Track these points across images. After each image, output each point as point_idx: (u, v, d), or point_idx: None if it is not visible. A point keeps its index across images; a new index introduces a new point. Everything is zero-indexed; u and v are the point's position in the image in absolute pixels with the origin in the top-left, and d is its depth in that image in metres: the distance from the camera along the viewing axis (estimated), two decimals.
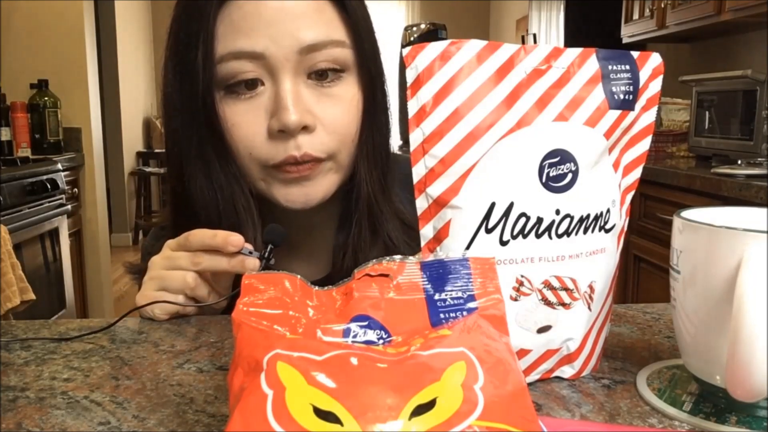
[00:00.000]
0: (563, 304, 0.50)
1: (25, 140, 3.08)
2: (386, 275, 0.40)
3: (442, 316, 0.39)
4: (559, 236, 0.49)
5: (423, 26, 4.06)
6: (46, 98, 3.19)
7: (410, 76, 0.48)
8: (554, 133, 0.48)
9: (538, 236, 0.48)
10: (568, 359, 0.52)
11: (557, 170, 0.48)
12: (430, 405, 0.32)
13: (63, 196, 2.98)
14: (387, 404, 0.31)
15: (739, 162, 2.19)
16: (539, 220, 0.48)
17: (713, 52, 3.15)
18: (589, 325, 0.52)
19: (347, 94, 0.66)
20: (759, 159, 2.17)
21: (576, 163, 0.49)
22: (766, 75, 2.20)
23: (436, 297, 0.40)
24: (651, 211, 2.33)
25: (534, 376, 0.51)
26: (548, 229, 0.48)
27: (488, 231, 0.48)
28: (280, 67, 0.62)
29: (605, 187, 0.51)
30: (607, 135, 0.50)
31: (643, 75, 0.52)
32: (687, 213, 0.47)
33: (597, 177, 0.50)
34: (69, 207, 3.03)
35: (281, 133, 0.62)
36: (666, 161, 2.62)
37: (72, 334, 0.63)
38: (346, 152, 0.67)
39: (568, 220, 0.49)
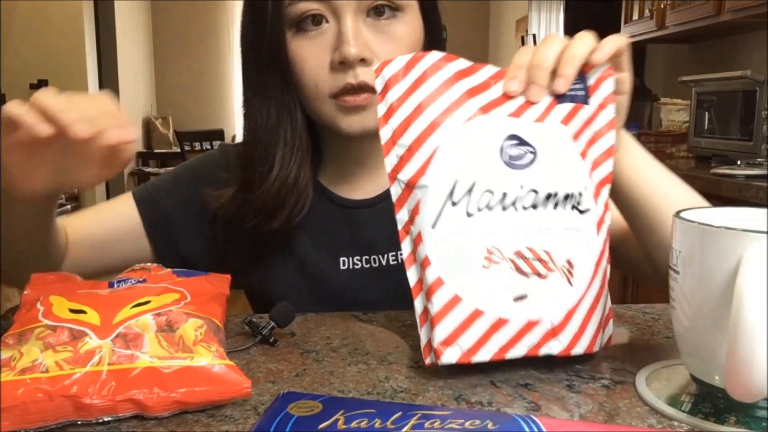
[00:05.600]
0: (538, 274, 0.52)
1: None
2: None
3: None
4: (525, 209, 0.52)
5: None
6: None
7: (379, 85, 0.55)
8: (509, 125, 0.54)
9: (504, 209, 0.52)
10: (553, 333, 0.53)
11: (518, 150, 0.53)
12: (146, 302, 0.52)
13: (62, 196, 2.98)
14: (116, 303, 0.51)
15: (739, 162, 2.19)
16: (504, 195, 0.52)
17: (713, 53, 3.15)
18: (573, 301, 0.53)
19: (402, 32, 0.74)
20: (758, 159, 2.17)
21: (533, 147, 0.53)
22: (766, 75, 2.21)
23: None
24: None
25: (520, 350, 0.52)
26: (514, 202, 0.52)
27: (454, 204, 0.52)
28: (342, 7, 0.71)
29: (573, 170, 0.55)
30: (565, 122, 0.55)
31: (592, 76, 0.56)
32: (686, 213, 0.47)
33: (561, 158, 0.54)
34: (69, 207, 3.03)
35: (342, 65, 0.71)
36: (665, 162, 2.61)
37: None
38: None
39: (533, 194, 0.52)
